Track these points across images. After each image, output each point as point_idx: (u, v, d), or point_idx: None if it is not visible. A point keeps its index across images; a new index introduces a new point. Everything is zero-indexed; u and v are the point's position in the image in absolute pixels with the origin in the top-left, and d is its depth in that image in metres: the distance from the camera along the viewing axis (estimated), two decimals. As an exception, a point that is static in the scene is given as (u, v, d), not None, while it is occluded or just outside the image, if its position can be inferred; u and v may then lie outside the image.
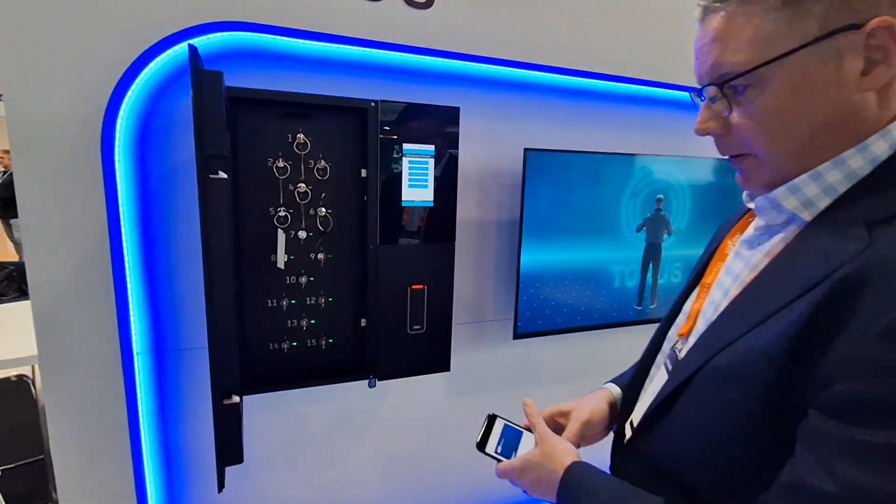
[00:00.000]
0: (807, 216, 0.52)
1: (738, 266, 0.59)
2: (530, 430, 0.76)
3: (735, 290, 0.58)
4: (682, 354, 0.62)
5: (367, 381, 1.32)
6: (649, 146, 1.73)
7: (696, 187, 1.73)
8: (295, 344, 1.26)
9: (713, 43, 0.52)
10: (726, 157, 0.59)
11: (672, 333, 0.69)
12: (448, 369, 1.39)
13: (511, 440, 0.76)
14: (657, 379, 0.67)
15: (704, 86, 0.55)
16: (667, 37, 1.60)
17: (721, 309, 0.58)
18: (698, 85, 0.57)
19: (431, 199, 1.28)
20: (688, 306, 0.68)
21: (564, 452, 0.68)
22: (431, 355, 1.37)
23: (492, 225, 1.56)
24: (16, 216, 4.85)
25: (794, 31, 0.47)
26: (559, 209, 1.54)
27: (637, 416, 0.69)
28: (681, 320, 0.69)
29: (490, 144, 1.50)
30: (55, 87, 1.04)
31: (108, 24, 1.05)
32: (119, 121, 1.09)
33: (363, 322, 1.31)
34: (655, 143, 1.75)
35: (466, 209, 1.49)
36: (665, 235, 1.72)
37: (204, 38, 1.13)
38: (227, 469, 1.04)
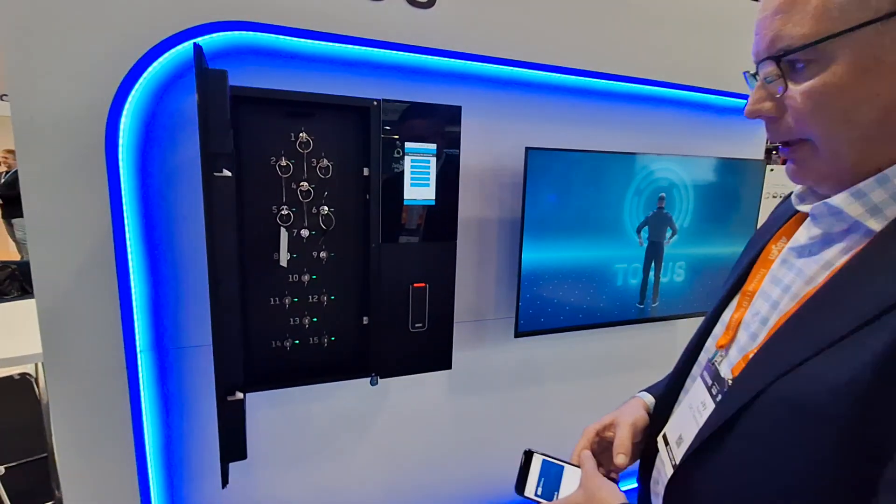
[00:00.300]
0: (874, 225, 0.46)
1: (788, 276, 0.54)
2: (572, 464, 0.71)
3: (788, 305, 0.52)
4: (721, 367, 0.58)
5: (368, 378, 1.32)
6: (651, 145, 1.74)
7: (699, 186, 1.73)
8: (297, 342, 1.27)
9: (775, 15, 0.47)
10: (776, 143, 0.54)
11: (710, 344, 0.64)
12: (449, 367, 1.39)
13: (552, 478, 0.70)
14: (692, 392, 0.62)
15: (761, 61, 0.49)
16: (669, 36, 1.61)
17: (771, 324, 0.53)
18: (756, 61, 0.52)
19: (433, 197, 1.29)
20: (727, 316, 0.63)
21: (609, 492, 0.61)
22: (433, 353, 1.37)
23: (493, 223, 1.57)
24: (18, 216, 4.86)
25: (867, 4, 0.42)
26: (560, 208, 1.54)
27: (671, 431, 0.64)
28: (719, 330, 0.63)
29: (492, 143, 1.51)
30: (59, 86, 1.04)
31: (111, 24, 1.05)
32: (123, 119, 1.09)
33: (365, 320, 1.31)
34: (657, 142, 1.75)
35: (468, 208, 1.50)
36: (667, 234, 1.72)
37: (207, 37, 1.14)
38: (230, 465, 1.05)
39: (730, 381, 0.55)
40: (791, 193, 0.60)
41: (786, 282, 0.54)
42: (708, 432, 0.53)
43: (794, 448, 0.44)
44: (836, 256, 0.49)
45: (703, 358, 0.65)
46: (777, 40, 0.47)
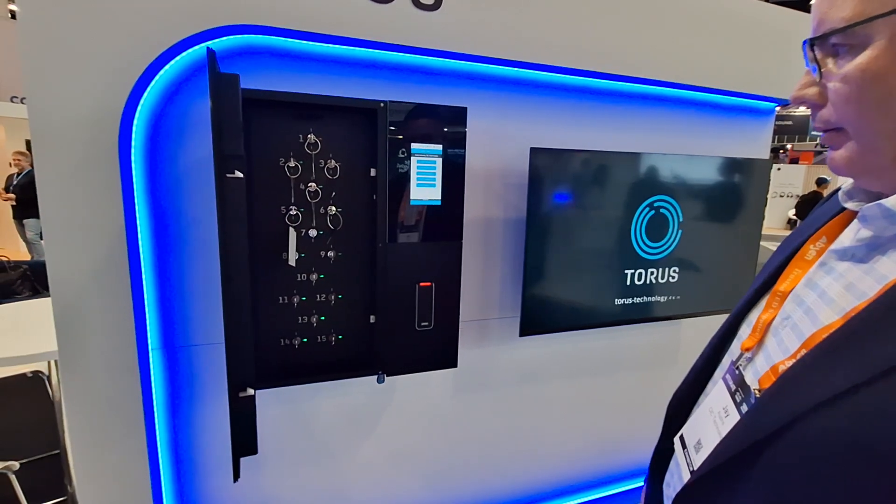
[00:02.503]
0: None
1: (825, 280, 0.50)
2: None
3: (829, 318, 0.47)
4: (746, 373, 0.54)
5: (375, 376, 1.34)
6: (656, 144, 1.74)
7: (704, 185, 1.73)
8: (305, 340, 1.29)
9: None
10: (819, 130, 0.51)
11: (734, 346, 0.60)
12: (455, 365, 1.41)
13: None
14: (714, 395, 0.58)
15: (807, 44, 0.48)
16: (673, 36, 1.61)
17: (806, 335, 0.48)
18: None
19: (439, 197, 1.30)
20: (753, 316, 0.59)
21: None
22: (439, 352, 1.39)
23: (499, 223, 1.58)
24: (29, 216, 4.92)
25: None
26: (565, 208, 1.55)
27: (690, 434, 0.60)
28: (744, 331, 0.59)
29: (497, 143, 1.52)
30: (74, 90, 1.06)
31: (124, 28, 1.07)
32: (135, 122, 1.12)
33: (372, 318, 1.33)
34: (662, 142, 1.76)
35: (474, 208, 1.51)
36: (672, 234, 1.73)
37: (218, 40, 1.16)
38: (241, 461, 1.07)
39: (757, 393, 0.51)
40: (837, 191, 0.57)
41: (822, 286, 0.50)
42: (734, 450, 0.48)
43: (839, 486, 0.39)
44: (891, 269, 0.44)
45: (725, 360, 0.61)
46: (822, 24, 0.46)
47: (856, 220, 0.49)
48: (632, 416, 1.99)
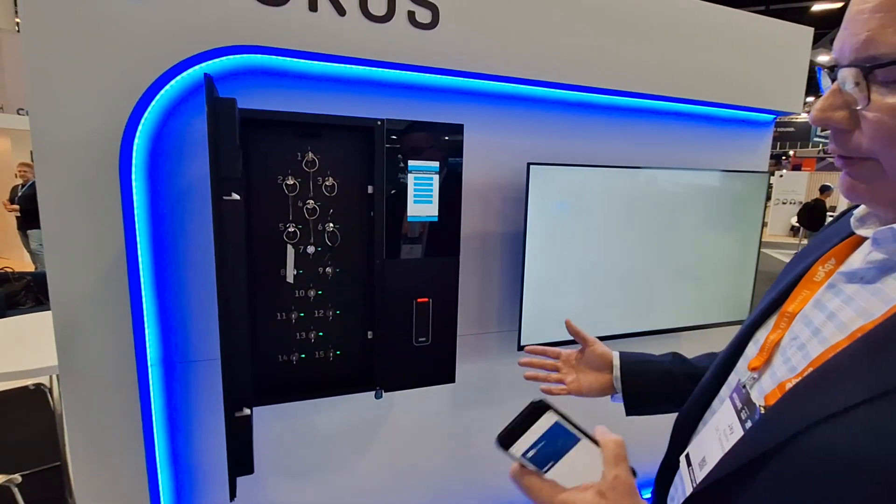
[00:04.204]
0: None
1: (833, 302, 0.50)
2: (592, 440, 0.52)
3: (835, 336, 0.47)
4: (752, 392, 0.54)
5: (373, 392, 1.34)
6: (654, 157, 1.75)
7: (701, 199, 1.74)
8: (304, 356, 1.29)
9: (876, 12, 0.40)
10: (835, 154, 0.48)
11: (741, 365, 0.60)
12: (453, 381, 1.41)
13: (555, 446, 0.52)
14: (720, 413, 0.58)
15: (846, 65, 0.42)
16: (671, 50, 1.62)
17: (813, 354, 0.48)
18: (836, 61, 0.45)
19: (436, 213, 1.31)
20: (761, 336, 0.58)
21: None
22: (436, 367, 1.39)
23: (496, 238, 1.59)
24: (34, 227, 4.95)
25: None
26: (562, 221, 1.56)
27: (695, 452, 0.59)
28: (752, 351, 0.59)
29: (494, 158, 1.53)
30: (77, 109, 1.08)
31: (126, 49, 1.09)
32: (136, 140, 1.13)
33: (370, 334, 1.34)
34: (661, 154, 1.77)
35: (471, 222, 1.52)
36: (669, 246, 1.73)
37: (216, 60, 1.18)
38: (238, 478, 1.07)
39: (762, 409, 0.51)
40: (845, 213, 0.57)
41: (831, 308, 0.49)
42: (736, 464, 0.48)
43: (838, 503, 0.39)
44: None
45: (732, 379, 0.61)
46: (871, 44, 0.40)
47: (867, 243, 0.49)
48: (635, 429, 1.98)
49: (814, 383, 0.44)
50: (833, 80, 0.45)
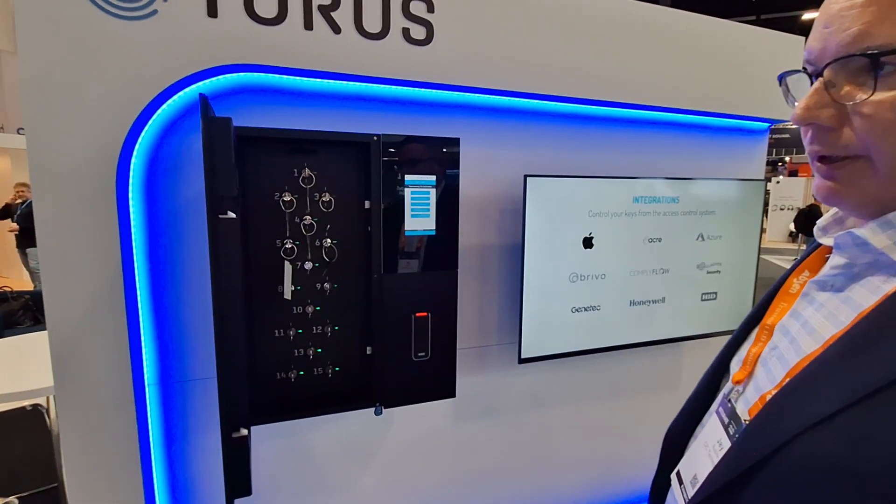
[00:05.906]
0: None
1: (807, 311, 0.51)
2: None
3: (810, 346, 0.48)
4: (737, 405, 0.54)
5: (373, 408, 1.33)
6: (651, 167, 1.75)
7: (699, 208, 1.74)
8: (302, 373, 1.28)
9: (869, 6, 0.39)
10: (816, 156, 0.47)
11: (727, 379, 0.61)
12: (453, 395, 1.40)
13: None
14: (708, 428, 0.59)
15: (837, 60, 0.42)
16: (662, 61, 1.64)
17: (791, 364, 0.48)
18: (817, 60, 0.44)
19: (434, 227, 1.31)
20: (744, 350, 0.60)
21: None
22: (436, 382, 1.38)
23: (494, 250, 1.59)
24: (32, 245, 4.95)
25: None
26: (560, 233, 1.56)
27: (686, 469, 0.60)
28: (735, 366, 0.60)
29: (490, 171, 1.54)
30: (74, 130, 1.08)
31: (122, 69, 1.09)
32: (133, 159, 1.14)
33: (369, 350, 1.33)
34: (657, 164, 1.77)
35: (469, 235, 1.52)
36: (668, 256, 1.73)
37: (213, 79, 1.19)
38: (237, 500, 1.06)
39: (745, 422, 0.51)
40: None
41: (805, 316, 0.51)
42: (723, 479, 0.48)
43: None
44: (865, 297, 0.45)
45: (719, 395, 0.62)
46: (864, 37, 0.39)
47: (833, 251, 0.50)
48: (635, 441, 1.96)
49: (791, 394, 0.45)
50: (813, 80, 0.45)
